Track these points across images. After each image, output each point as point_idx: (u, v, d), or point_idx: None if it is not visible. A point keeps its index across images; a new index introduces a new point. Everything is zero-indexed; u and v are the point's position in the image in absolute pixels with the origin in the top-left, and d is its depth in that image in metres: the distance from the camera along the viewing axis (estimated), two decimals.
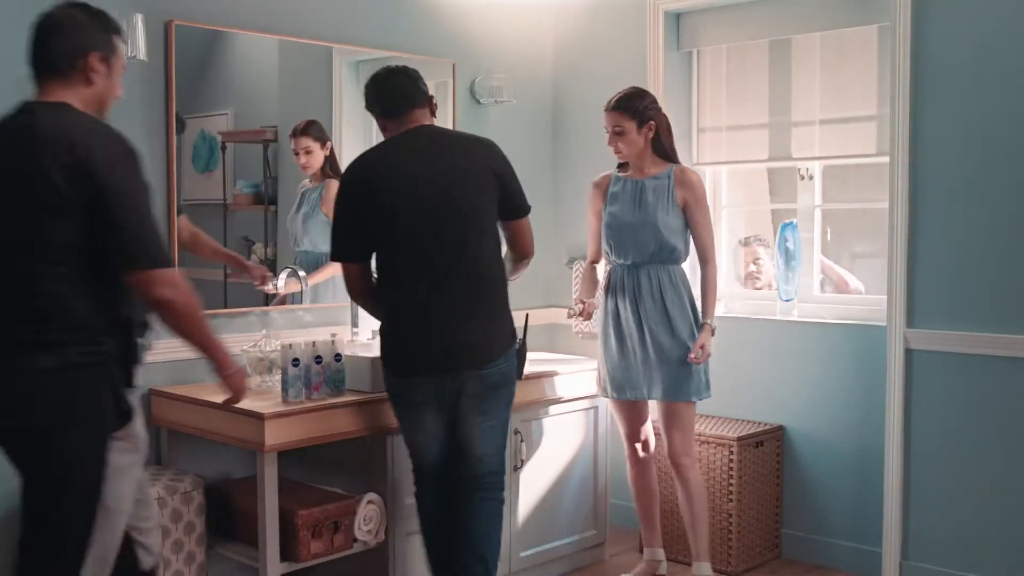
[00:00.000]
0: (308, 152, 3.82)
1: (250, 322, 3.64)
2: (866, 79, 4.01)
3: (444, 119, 4.32)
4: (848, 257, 4.45)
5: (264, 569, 3.09)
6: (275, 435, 3.04)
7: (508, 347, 3.08)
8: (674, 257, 3.64)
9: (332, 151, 3.87)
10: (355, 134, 4.05)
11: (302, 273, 3.75)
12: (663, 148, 3.68)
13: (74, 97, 2.31)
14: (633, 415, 3.77)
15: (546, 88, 4.74)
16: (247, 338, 3.52)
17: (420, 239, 2.95)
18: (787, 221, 4.18)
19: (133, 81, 3.32)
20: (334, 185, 3.85)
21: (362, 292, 3.09)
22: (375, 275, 3.10)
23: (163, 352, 3.40)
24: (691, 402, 3.64)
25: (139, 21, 3.18)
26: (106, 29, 2.36)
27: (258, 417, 3.03)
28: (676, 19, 4.43)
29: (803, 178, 4.23)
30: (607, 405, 4.09)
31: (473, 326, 2.99)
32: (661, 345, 3.60)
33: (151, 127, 3.36)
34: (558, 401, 3.89)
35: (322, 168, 3.85)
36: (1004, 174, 3.53)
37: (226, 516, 3.32)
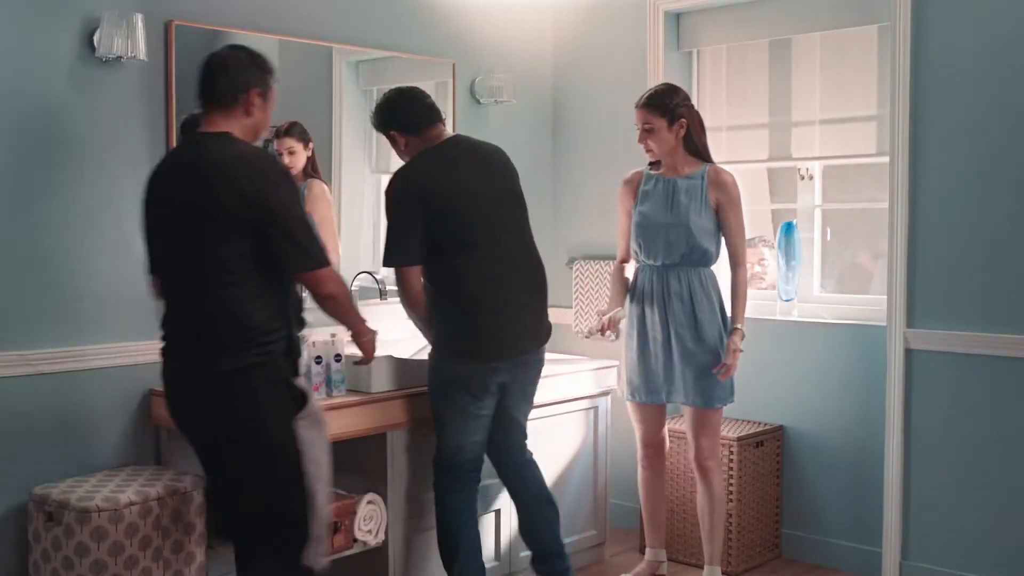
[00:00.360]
0: (291, 152, 3.79)
1: None
2: (866, 79, 4.01)
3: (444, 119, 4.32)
4: (849, 256, 4.45)
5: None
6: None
7: (550, 332, 3.44)
8: (705, 259, 3.57)
9: (314, 151, 3.83)
10: (355, 134, 4.06)
11: None
12: (695, 146, 3.60)
13: (235, 127, 2.66)
14: (650, 419, 3.72)
15: (546, 88, 4.74)
16: None
17: (489, 236, 3.22)
18: (787, 221, 4.19)
19: (133, 81, 3.32)
20: (316, 185, 3.83)
21: (419, 293, 3.24)
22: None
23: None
24: (719, 408, 3.60)
25: (139, 21, 3.17)
26: (263, 69, 2.74)
27: None
28: (676, 19, 4.43)
29: (803, 178, 4.23)
30: (608, 403, 4.09)
31: (534, 311, 3.37)
32: (687, 349, 3.54)
33: (151, 127, 3.36)
34: (558, 401, 3.89)
35: (304, 168, 3.83)
36: (1004, 174, 3.53)
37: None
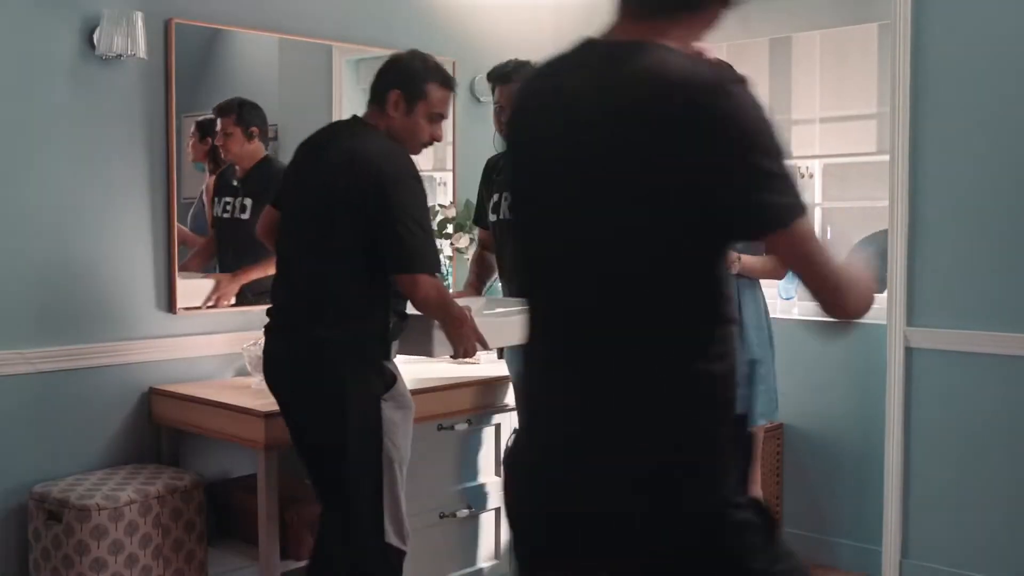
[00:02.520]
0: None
1: (250, 320, 3.64)
2: (866, 77, 4.01)
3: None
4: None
5: (264, 567, 3.09)
6: (275, 433, 3.04)
7: None
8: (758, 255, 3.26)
9: None
10: None
11: None
12: None
13: (381, 124, 2.79)
14: None
15: None
16: (248, 336, 3.52)
17: None
18: None
19: (133, 79, 3.32)
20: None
21: None
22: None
23: (163, 351, 3.40)
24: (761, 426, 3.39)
25: (139, 19, 3.17)
26: (422, 78, 2.80)
27: (258, 415, 3.03)
28: None
29: (803, 176, 4.23)
30: None
31: None
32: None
33: (151, 125, 3.36)
34: None
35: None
36: (1004, 172, 3.53)
37: (226, 514, 3.32)
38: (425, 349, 2.97)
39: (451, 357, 2.98)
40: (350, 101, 4.01)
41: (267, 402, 3.12)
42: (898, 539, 3.81)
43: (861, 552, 3.96)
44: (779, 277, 3.43)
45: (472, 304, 3.32)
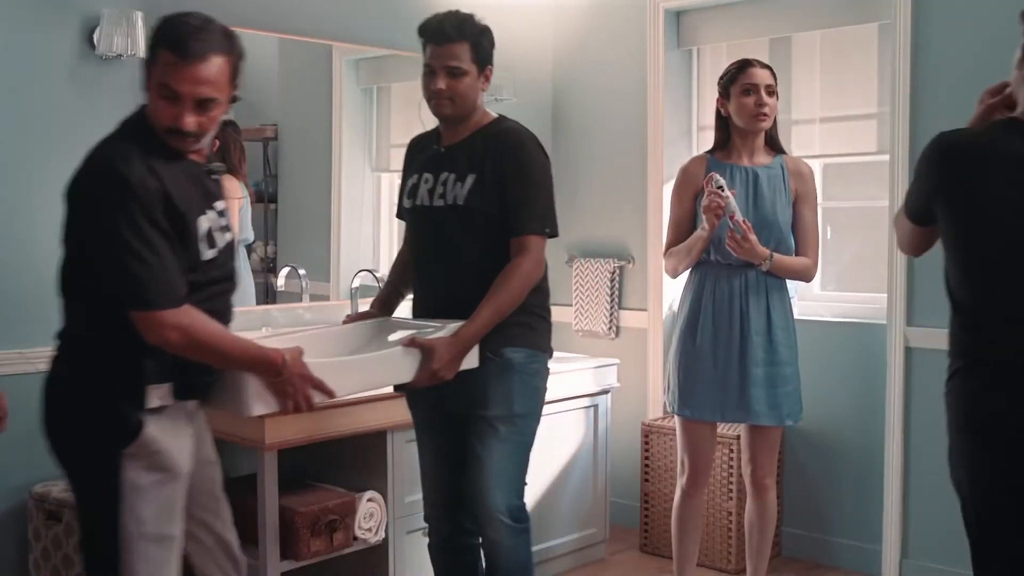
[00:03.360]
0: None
1: (251, 320, 3.64)
2: (866, 77, 4.01)
3: None
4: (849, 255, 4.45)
5: (265, 567, 3.09)
6: (275, 433, 3.04)
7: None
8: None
9: None
10: (355, 133, 4.05)
11: (303, 271, 3.75)
12: (774, 132, 3.24)
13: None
14: (709, 441, 3.30)
15: (546, 86, 4.73)
16: (247, 336, 3.52)
17: None
18: None
19: (134, 79, 3.31)
20: None
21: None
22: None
23: None
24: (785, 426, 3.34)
25: (139, 19, 3.18)
26: (155, 41, 2.16)
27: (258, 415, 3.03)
28: (676, 17, 4.42)
29: None
30: (608, 402, 4.09)
31: None
32: (760, 359, 3.15)
33: None
34: (558, 399, 3.88)
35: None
36: None
37: None
38: (237, 404, 2.26)
39: (280, 413, 2.32)
40: (350, 101, 4.01)
41: None
42: (898, 539, 3.81)
43: (861, 552, 3.96)
44: (807, 279, 3.34)
45: (364, 330, 2.82)
